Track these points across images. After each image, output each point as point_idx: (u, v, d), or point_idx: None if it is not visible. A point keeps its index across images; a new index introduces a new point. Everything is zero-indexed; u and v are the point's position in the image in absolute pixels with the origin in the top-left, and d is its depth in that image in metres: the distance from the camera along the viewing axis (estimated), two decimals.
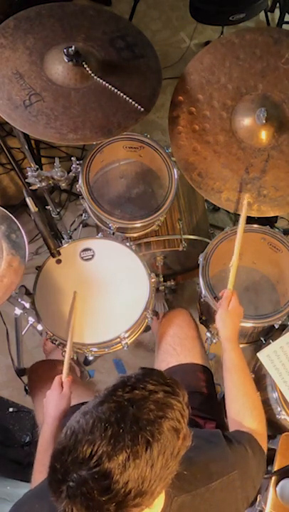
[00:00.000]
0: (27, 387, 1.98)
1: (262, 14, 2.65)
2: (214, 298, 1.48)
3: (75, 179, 1.67)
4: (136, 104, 1.29)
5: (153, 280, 1.51)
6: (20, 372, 2.02)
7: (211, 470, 0.95)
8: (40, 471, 1.11)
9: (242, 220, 1.42)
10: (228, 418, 1.16)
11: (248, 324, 1.48)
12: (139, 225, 1.62)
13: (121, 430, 0.69)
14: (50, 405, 1.19)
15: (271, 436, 1.57)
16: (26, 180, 1.47)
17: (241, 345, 1.74)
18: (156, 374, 0.78)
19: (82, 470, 0.68)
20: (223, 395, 1.21)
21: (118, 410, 0.71)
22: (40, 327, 1.46)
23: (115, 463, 0.68)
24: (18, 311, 1.51)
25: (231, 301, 1.31)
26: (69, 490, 0.68)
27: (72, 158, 1.65)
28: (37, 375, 1.53)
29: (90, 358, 1.81)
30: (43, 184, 1.53)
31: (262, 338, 1.67)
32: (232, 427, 1.12)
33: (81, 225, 2.14)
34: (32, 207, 1.38)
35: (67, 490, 0.69)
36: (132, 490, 0.69)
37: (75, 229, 2.19)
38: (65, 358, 1.32)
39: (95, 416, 0.71)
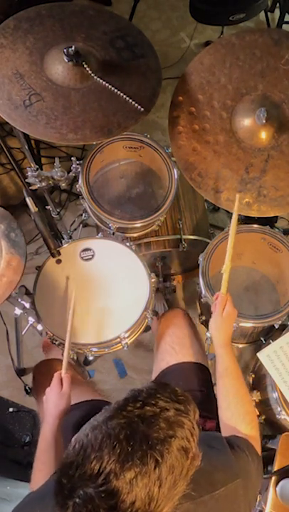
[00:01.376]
0: (27, 387, 1.99)
1: (262, 14, 2.66)
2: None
3: (75, 179, 1.67)
4: (136, 104, 1.29)
5: (153, 280, 1.51)
6: (20, 372, 2.03)
7: (215, 477, 0.93)
8: (40, 470, 1.11)
9: (233, 222, 1.36)
10: (220, 423, 1.15)
11: (248, 324, 1.48)
12: (139, 225, 1.62)
13: (130, 448, 0.68)
14: (50, 404, 1.19)
15: (271, 436, 1.57)
16: (26, 180, 1.47)
17: (241, 345, 1.75)
18: (168, 390, 0.77)
19: (89, 487, 0.67)
20: None
21: (128, 427, 0.70)
22: (40, 327, 1.46)
23: (123, 481, 0.67)
24: (18, 311, 1.51)
25: (226, 307, 1.28)
26: (75, 506, 0.68)
27: (72, 158, 1.65)
28: (41, 374, 1.52)
29: (90, 358, 1.82)
30: (43, 184, 1.53)
31: (262, 338, 1.67)
32: (226, 432, 1.10)
33: (81, 225, 2.15)
34: (32, 207, 1.38)
35: (73, 506, 0.68)
36: (139, 510, 0.68)
37: (75, 229, 2.20)
38: (64, 353, 1.31)
39: (104, 431, 0.70)
